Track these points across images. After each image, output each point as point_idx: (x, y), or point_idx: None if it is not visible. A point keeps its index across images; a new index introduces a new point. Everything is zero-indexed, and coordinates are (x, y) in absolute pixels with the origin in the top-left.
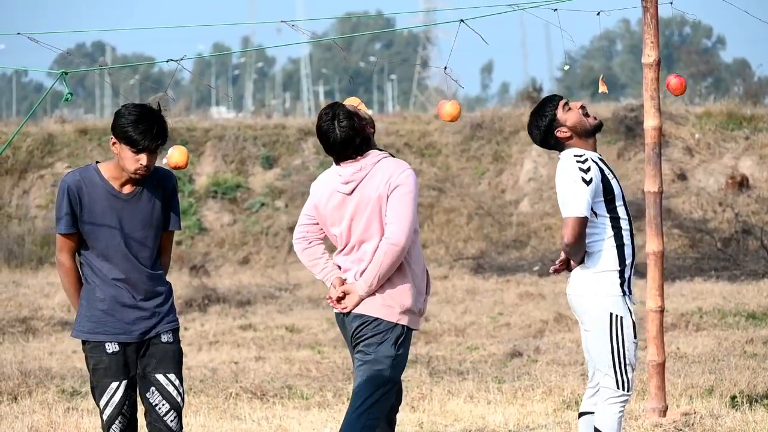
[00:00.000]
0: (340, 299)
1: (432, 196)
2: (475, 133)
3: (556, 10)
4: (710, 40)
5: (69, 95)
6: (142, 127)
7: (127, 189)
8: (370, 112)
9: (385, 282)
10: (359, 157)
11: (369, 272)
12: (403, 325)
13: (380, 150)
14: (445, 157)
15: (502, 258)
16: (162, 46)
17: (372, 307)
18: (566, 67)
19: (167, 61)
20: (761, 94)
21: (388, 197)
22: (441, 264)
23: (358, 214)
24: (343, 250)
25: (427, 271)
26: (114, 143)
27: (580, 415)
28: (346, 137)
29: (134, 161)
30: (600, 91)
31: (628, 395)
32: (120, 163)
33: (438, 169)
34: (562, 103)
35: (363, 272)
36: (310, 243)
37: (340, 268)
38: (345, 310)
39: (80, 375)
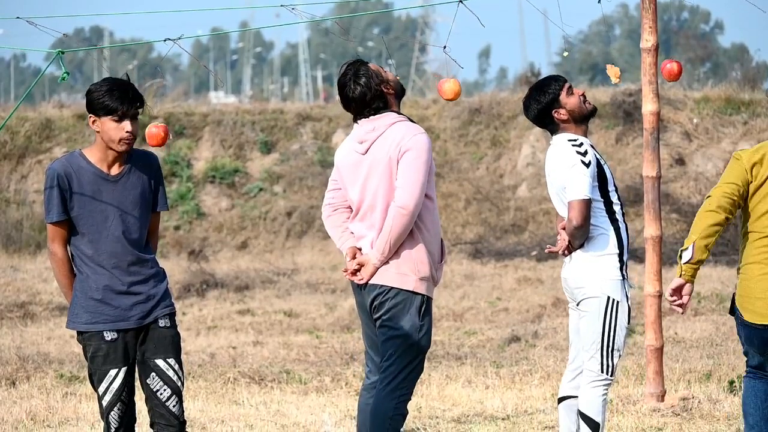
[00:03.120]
0: (355, 271)
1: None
2: (473, 117)
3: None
4: (708, 25)
5: (65, 74)
6: (117, 93)
7: (115, 170)
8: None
9: (398, 249)
10: (374, 117)
11: (380, 239)
12: (422, 294)
13: (399, 113)
14: (443, 142)
15: (500, 243)
16: (160, 31)
17: (387, 277)
18: (565, 54)
19: (164, 41)
20: (759, 78)
21: (398, 161)
22: None
23: (371, 176)
24: (357, 215)
25: (442, 240)
26: (94, 121)
27: (560, 400)
28: (360, 94)
29: (119, 130)
30: (614, 81)
31: (611, 380)
32: (104, 139)
33: (436, 154)
34: (566, 86)
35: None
36: (335, 210)
37: (354, 234)
38: (361, 282)
39: (78, 360)
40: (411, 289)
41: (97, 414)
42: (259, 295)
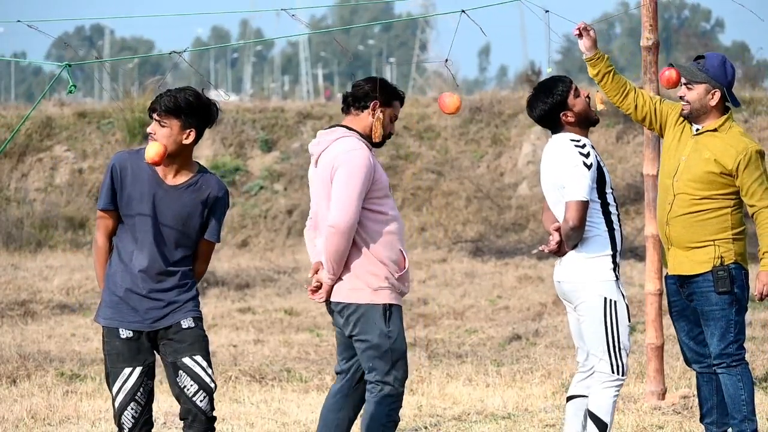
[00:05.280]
0: (315, 289)
1: (431, 179)
2: (473, 116)
3: (547, 12)
4: (709, 23)
5: (72, 87)
6: (161, 94)
7: (172, 180)
8: None
9: (349, 264)
10: (323, 131)
11: (323, 258)
12: (382, 304)
13: (349, 129)
14: (443, 140)
15: (500, 241)
16: (160, 30)
17: (343, 293)
18: (549, 70)
19: (170, 53)
20: (760, 77)
21: (332, 179)
22: (440, 247)
23: (318, 190)
24: (316, 228)
25: (402, 250)
26: None
27: (569, 398)
28: (352, 96)
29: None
30: (599, 109)
31: (623, 379)
32: None
33: (437, 152)
34: (573, 87)
35: None
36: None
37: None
38: (321, 301)
39: (79, 358)
40: (367, 302)
41: (97, 412)
42: (260, 294)
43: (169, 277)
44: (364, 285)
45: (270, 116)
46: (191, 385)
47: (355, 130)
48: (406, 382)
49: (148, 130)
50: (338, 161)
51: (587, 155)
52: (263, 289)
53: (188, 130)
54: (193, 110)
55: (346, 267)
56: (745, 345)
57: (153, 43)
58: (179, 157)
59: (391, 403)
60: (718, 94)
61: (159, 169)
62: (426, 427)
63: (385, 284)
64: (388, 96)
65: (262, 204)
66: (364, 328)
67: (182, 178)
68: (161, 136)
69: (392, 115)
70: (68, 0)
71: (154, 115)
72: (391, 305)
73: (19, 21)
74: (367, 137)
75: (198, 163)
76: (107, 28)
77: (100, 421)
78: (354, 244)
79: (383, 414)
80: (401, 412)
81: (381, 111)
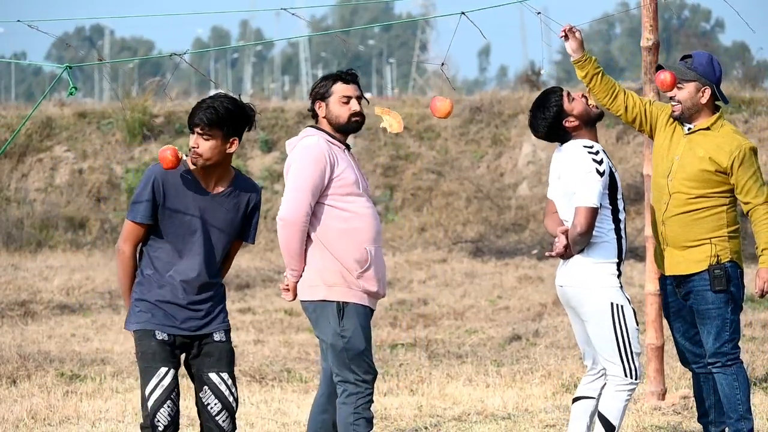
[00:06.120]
0: (287, 289)
1: (431, 179)
2: (473, 116)
3: (539, 13)
4: (709, 23)
5: (73, 89)
6: (197, 106)
7: (214, 189)
8: (368, 95)
9: (309, 261)
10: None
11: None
12: (336, 301)
13: (319, 129)
14: (444, 141)
15: (501, 241)
16: (160, 30)
17: (303, 291)
18: (543, 71)
19: (170, 56)
20: (760, 77)
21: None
22: (440, 247)
23: None
24: None
25: (366, 249)
26: None
27: (575, 399)
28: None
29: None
30: (590, 103)
31: (637, 383)
32: None
33: (437, 153)
34: (566, 93)
35: None
36: None
37: None
38: (289, 300)
39: (79, 359)
40: (321, 299)
41: (97, 412)
42: (260, 294)
43: (210, 289)
44: (320, 281)
45: (270, 116)
46: (215, 404)
47: (323, 130)
48: (412, 382)
49: (191, 144)
50: (290, 159)
51: (600, 162)
52: (263, 289)
53: (232, 139)
54: (234, 118)
55: (306, 264)
56: (746, 345)
57: (153, 43)
58: (221, 166)
59: (356, 401)
60: (708, 92)
61: (200, 178)
62: (426, 428)
63: (339, 281)
64: (326, 86)
65: (262, 204)
66: (320, 326)
67: (223, 186)
68: (206, 149)
69: (341, 99)
70: (68, 0)
71: (197, 130)
72: (345, 303)
73: (19, 21)
74: (338, 131)
75: (233, 167)
76: (107, 28)
77: (100, 422)
78: (312, 240)
79: (349, 413)
80: (401, 412)
81: (324, 104)
